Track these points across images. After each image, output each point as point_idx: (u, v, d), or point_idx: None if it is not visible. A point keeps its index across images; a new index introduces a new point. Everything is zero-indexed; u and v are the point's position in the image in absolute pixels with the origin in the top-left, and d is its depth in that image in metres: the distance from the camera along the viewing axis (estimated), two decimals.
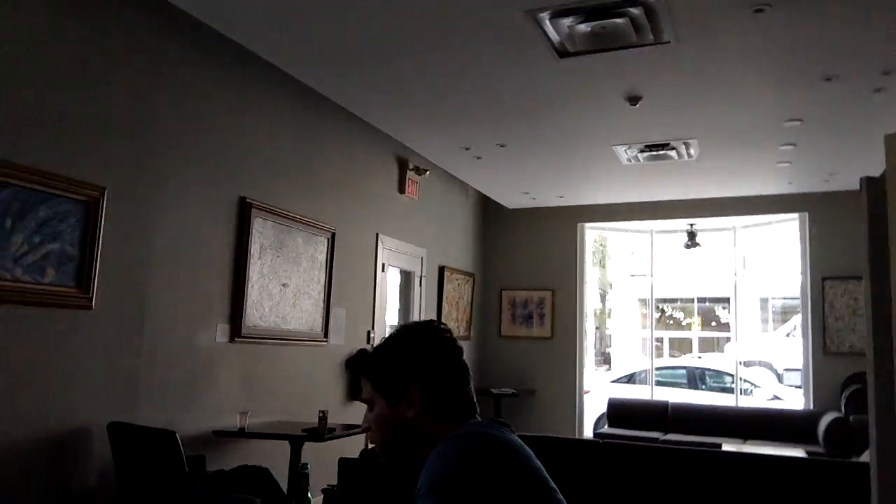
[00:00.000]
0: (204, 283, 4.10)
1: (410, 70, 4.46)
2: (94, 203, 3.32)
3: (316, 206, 5.13)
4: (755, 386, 10.81)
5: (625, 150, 5.93)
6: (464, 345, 1.49)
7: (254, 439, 4.24)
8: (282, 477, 3.92)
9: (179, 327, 3.93)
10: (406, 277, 6.84)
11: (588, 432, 8.30)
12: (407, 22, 3.78)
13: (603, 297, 17.16)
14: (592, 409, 8.94)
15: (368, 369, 1.34)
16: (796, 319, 15.95)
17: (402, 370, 1.29)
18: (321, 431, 4.15)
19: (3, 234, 2.92)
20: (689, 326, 18.93)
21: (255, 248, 4.48)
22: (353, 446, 5.37)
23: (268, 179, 4.63)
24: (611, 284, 17.31)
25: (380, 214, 6.07)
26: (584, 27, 3.65)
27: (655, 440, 6.99)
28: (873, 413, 2.99)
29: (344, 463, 3.95)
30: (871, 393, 3.01)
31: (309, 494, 1.76)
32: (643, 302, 17.75)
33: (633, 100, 4.68)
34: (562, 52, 3.99)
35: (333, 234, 5.30)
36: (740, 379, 9.50)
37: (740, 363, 9.66)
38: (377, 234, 6.02)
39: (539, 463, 1.22)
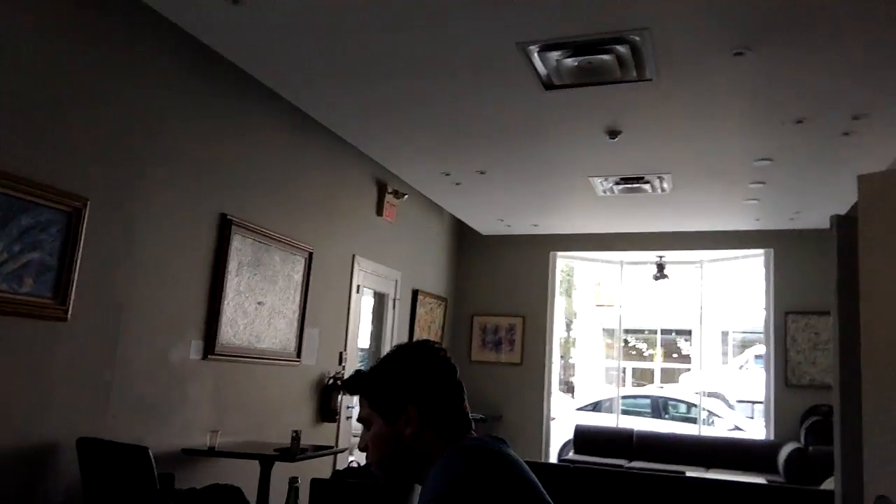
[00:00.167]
0: (180, 299, 4.06)
1: (397, 94, 4.52)
2: (76, 214, 3.27)
3: (295, 225, 5.12)
4: (717, 416, 10.99)
5: (601, 182, 6.06)
6: None
7: (223, 458, 4.17)
8: (251, 497, 3.86)
9: (154, 342, 3.87)
10: (380, 300, 6.84)
11: (553, 459, 8.34)
12: (398, 47, 3.84)
13: (568, 326, 17.30)
14: (557, 436, 8.99)
15: (366, 389, 1.36)
16: (749, 353, 16.30)
17: (400, 389, 1.31)
18: (293, 452, 4.11)
19: None
20: (651, 357, 19.16)
21: (232, 265, 4.45)
22: (324, 468, 5.33)
23: (249, 197, 4.62)
24: (576, 314, 17.49)
25: (357, 236, 6.08)
26: (571, 61, 3.75)
27: (621, 467, 7.06)
28: (839, 444, 3.09)
29: (316, 484, 3.92)
30: (837, 424, 3.11)
31: None
32: (608, 332, 17.97)
33: (613, 133, 4.81)
34: (548, 85, 4.09)
35: (311, 254, 5.29)
36: (703, 409, 9.67)
37: (704, 394, 9.85)
38: (353, 256, 6.02)
39: (535, 477, 1.24)
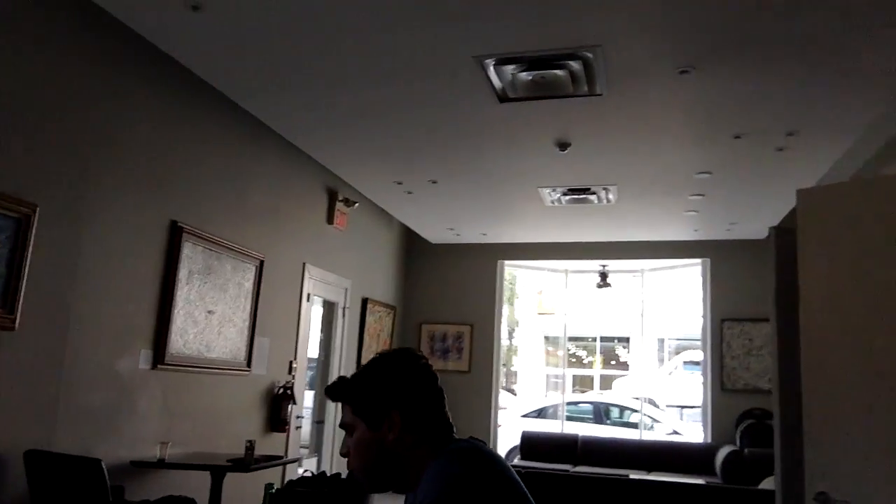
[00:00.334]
0: (130, 308, 3.97)
1: (353, 103, 4.54)
2: (25, 220, 3.18)
3: (246, 233, 5.07)
4: (656, 421, 11.33)
5: (549, 193, 6.21)
6: None
7: (173, 470, 4.09)
8: None
9: (102, 352, 3.77)
10: (329, 308, 6.81)
11: None
12: (355, 56, 3.88)
13: (510, 335, 17.51)
14: (503, 442, 9.11)
15: (350, 395, 1.38)
16: (678, 359, 16.85)
17: (384, 395, 1.34)
18: (248, 461, 4.07)
19: None
20: (591, 364, 19.56)
21: (183, 273, 4.37)
22: (273, 478, 5.27)
23: (200, 204, 4.56)
24: (518, 322, 17.72)
25: (307, 244, 6.05)
26: (525, 75, 3.87)
27: (566, 472, 7.21)
28: (779, 445, 3.27)
29: (269, 489, 3.88)
30: (778, 426, 3.29)
31: None
32: (549, 340, 18.26)
33: (563, 146, 4.95)
34: (502, 97, 4.19)
35: (262, 262, 5.25)
36: (644, 415, 9.95)
37: (645, 400, 10.13)
38: (304, 264, 5.99)
39: (517, 476, 1.30)
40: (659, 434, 10.85)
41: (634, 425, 10.91)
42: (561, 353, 11.11)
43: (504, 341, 16.72)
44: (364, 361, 7.12)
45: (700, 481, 6.48)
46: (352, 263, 7.01)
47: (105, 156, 3.75)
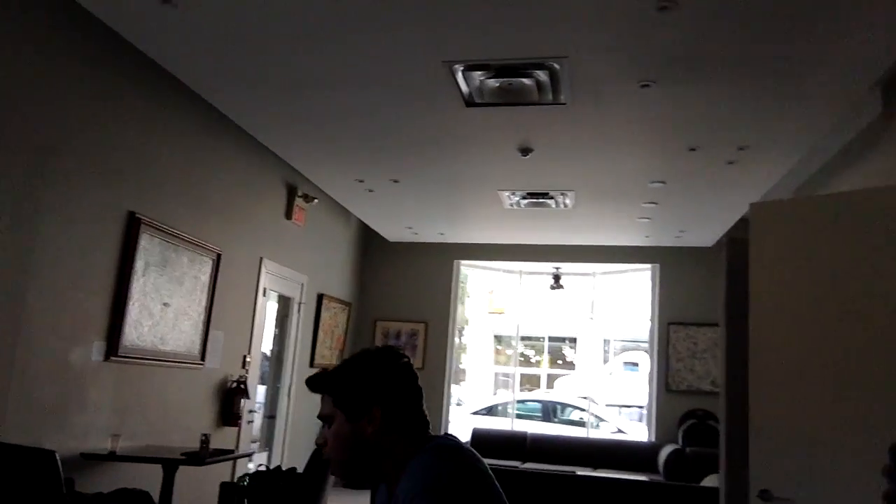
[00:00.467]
0: (84, 298, 3.90)
1: (320, 102, 4.55)
2: None
3: (204, 226, 5.02)
4: (602, 420, 11.61)
5: (508, 196, 6.32)
6: None
7: (124, 463, 4.04)
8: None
9: (55, 343, 3.70)
10: (284, 303, 6.78)
11: None
12: (324, 57, 3.88)
13: (460, 333, 17.63)
14: None
15: (331, 387, 1.43)
16: (618, 360, 17.27)
17: (366, 389, 1.39)
18: (203, 455, 4.04)
19: None
20: (538, 363, 19.86)
21: (139, 265, 4.31)
22: (224, 472, 5.24)
23: (158, 195, 4.49)
24: (467, 320, 17.86)
25: (265, 239, 6.02)
26: (493, 82, 3.95)
27: (516, 468, 7.34)
28: (724, 445, 3.43)
29: (225, 487, 3.88)
30: (723, 427, 3.46)
31: None
32: (498, 339, 18.46)
33: (525, 151, 5.05)
34: (469, 102, 4.26)
35: (219, 256, 5.20)
36: (591, 414, 10.18)
37: (590, 400, 10.37)
38: (261, 259, 5.95)
39: (492, 474, 1.36)
40: (604, 432, 11.13)
41: (581, 423, 11.16)
42: (510, 351, 11.26)
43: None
44: (318, 357, 7.15)
45: (644, 478, 6.70)
46: (309, 259, 6.99)
47: (61, 143, 3.67)
